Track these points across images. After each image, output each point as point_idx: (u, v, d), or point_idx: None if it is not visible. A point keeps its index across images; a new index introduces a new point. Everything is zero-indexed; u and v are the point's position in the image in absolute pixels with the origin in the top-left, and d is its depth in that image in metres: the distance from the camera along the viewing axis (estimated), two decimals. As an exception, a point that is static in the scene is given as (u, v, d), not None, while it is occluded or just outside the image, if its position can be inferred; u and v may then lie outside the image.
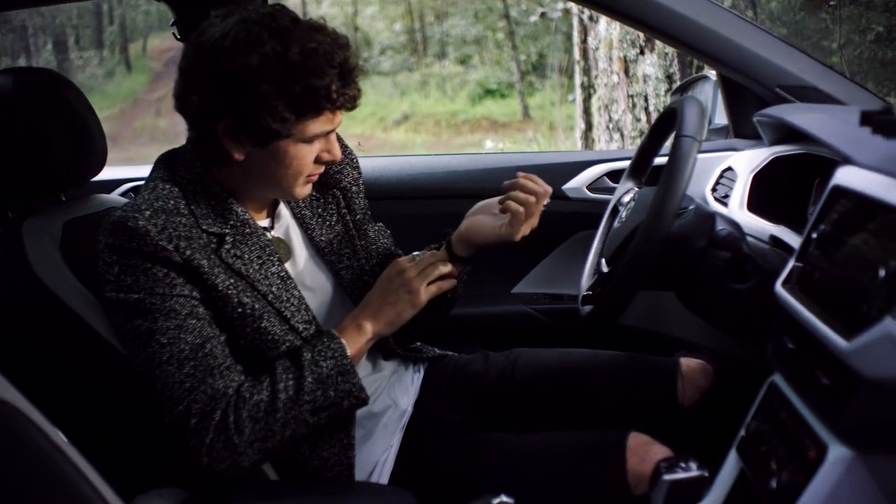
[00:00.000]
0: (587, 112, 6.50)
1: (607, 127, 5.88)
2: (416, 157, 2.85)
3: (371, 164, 2.60)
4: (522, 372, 1.88)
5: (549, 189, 1.67)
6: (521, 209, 1.64)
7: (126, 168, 2.70)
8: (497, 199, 1.72)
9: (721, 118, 2.45)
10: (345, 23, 13.89)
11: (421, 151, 10.74)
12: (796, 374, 1.33)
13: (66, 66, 13.71)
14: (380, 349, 1.85)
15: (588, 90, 6.52)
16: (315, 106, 1.49)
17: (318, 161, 1.59)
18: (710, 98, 2.54)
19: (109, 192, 2.30)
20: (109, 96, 13.30)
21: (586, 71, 6.47)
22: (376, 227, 1.90)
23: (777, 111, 1.89)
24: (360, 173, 1.86)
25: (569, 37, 8.73)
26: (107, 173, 2.13)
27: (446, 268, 1.71)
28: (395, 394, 1.84)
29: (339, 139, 1.83)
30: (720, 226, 1.65)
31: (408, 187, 2.58)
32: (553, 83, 11.30)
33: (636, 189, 1.92)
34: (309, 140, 1.54)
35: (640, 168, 1.98)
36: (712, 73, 2.52)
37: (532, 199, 1.65)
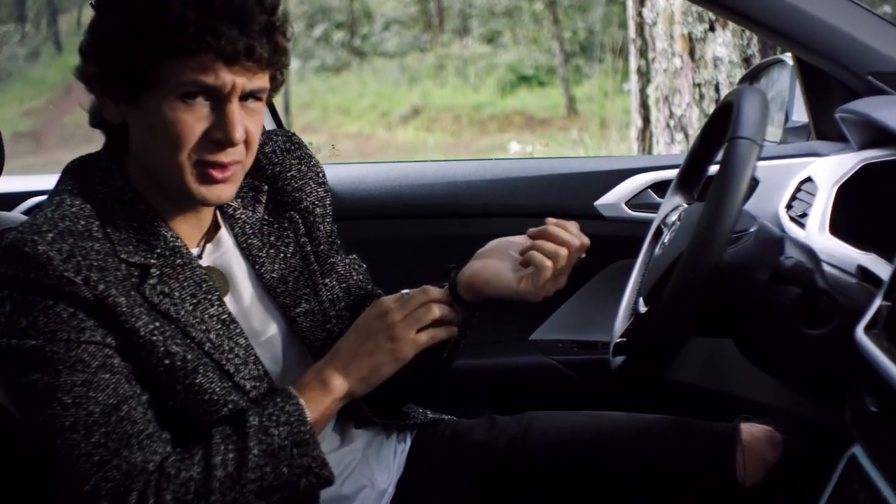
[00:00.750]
0: (644, 105, 6.50)
1: (667, 124, 5.88)
2: (404, 163, 2.87)
3: (345, 172, 2.63)
4: (537, 440, 1.89)
5: (586, 241, 1.68)
6: (549, 263, 1.64)
7: (38, 178, 2.72)
8: (519, 237, 1.73)
9: (800, 114, 2.46)
10: (340, -10, 14.06)
11: (434, 155, 10.77)
12: (880, 445, 1.34)
13: (-24, 45, 13.87)
14: (350, 415, 1.86)
15: (646, 77, 6.53)
16: (167, 41, 1.49)
17: (209, 139, 1.55)
18: (785, 88, 2.55)
19: (10, 208, 2.33)
20: (33, 83, 13.45)
21: (643, 52, 6.48)
22: (347, 261, 1.91)
23: (864, 106, 1.90)
24: (326, 191, 1.86)
25: (624, 7, 8.75)
26: (9, 184, 2.15)
27: (443, 311, 1.71)
28: (370, 471, 1.85)
29: (299, 141, 1.85)
30: (788, 253, 1.65)
31: (392, 203, 2.60)
32: (606, 68, 11.33)
33: (685, 205, 1.93)
34: (182, 92, 1.52)
35: (691, 178, 1.98)
36: (790, 57, 2.52)
37: (563, 251, 1.65)
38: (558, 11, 12.94)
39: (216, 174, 1.58)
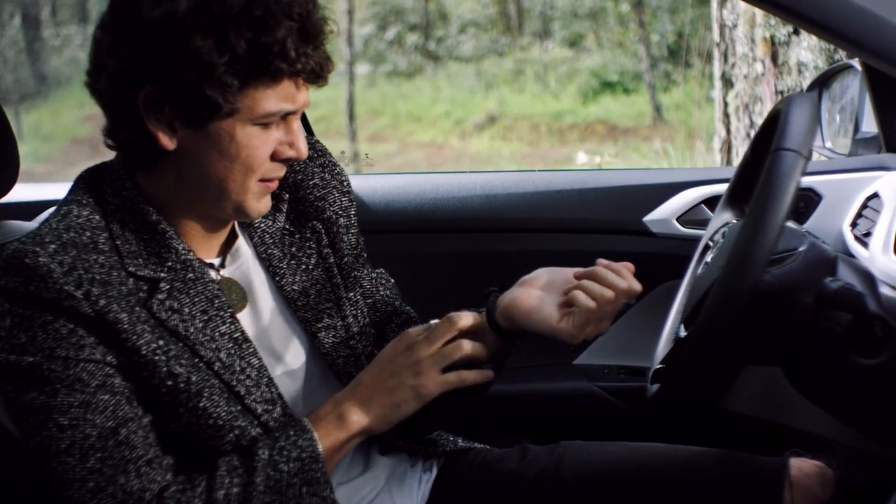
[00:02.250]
0: (727, 113, 6.45)
1: (748, 135, 5.82)
2: (442, 174, 2.87)
3: (379, 183, 2.65)
4: (570, 472, 1.88)
5: (637, 287, 1.66)
6: (592, 305, 1.63)
7: (62, 186, 2.75)
8: (568, 270, 1.71)
9: (871, 124, 2.43)
10: (413, -10, 14.11)
11: (508, 166, 10.76)
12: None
13: (37, 47, 14.10)
14: (375, 439, 1.85)
15: (729, 83, 6.47)
16: (266, 68, 1.51)
17: (276, 158, 1.61)
18: (856, 96, 2.52)
19: (31, 217, 2.36)
20: (94, 88, 13.65)
21: (727, 56, 6.43)
22: (374, 275, 1.92)
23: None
24: (351, 201, 1.88)
25: (713, 10, 8.67)
26: (33, 192, 2.17)
27: (474, 348, 1.69)
28: (392, 501, 1.85)
29: (323, 148, 1.86)
30: (837, 275, 1.63)
31: (429, 216, 2.60)
32: (696, 73, 11.25)
33: (734, 222, 1.91)
34: (261, 121, 1.56)
35: (742, 193, 1.96)
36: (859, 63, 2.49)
37: (608, 294, 1.63)
38: (645, 13, 12.86)
39: (271, 186, 1.65)
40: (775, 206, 1.50)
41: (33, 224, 2.15)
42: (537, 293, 1.70)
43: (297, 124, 1.62)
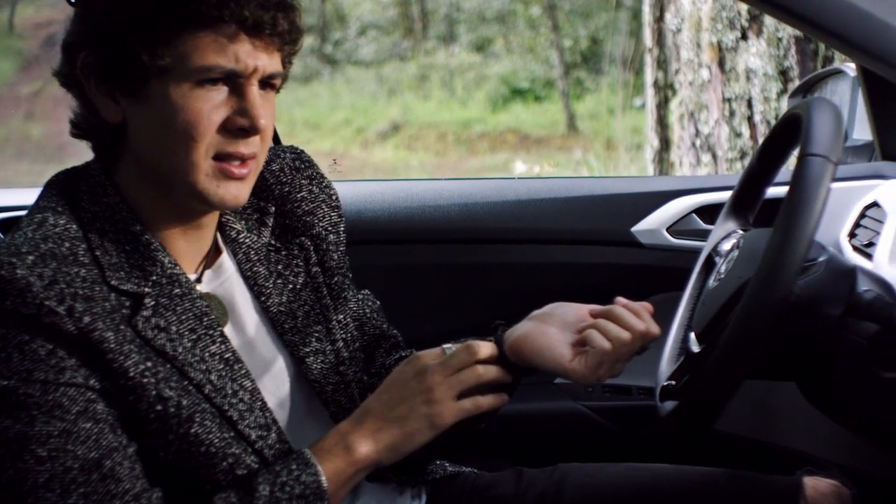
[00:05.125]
0: (662, 123, 6.53)
1: (693, 144, 5.90)
2: (416, 181, 2.86)
3: (348, 191, 2.62)
4: (572, 495, 1.87)
5: (655, 330, 1.65)
6: (607, 346, 1.61)
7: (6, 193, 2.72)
8: (582, 307, 1.71)
9: (863, 132, 2.47)
10: (308, -10, 14.05)
11: (416, 177, 10.77)
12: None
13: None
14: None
15: (664, 91, 6.56)
16: (184, 8, 1.50)
17: (227, 129, 1.56)
18: (845, 102, 2.57)
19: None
20: (-42, 91, 13.44)
21: (662, 63, 6.51)
22: (360, 296, 1.91)
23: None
24: (340, 216, 1.87)
25: (636, 14, 8.76)
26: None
27: (491, 374, 1.67)
28: (385, 530, 1.84)
29: (310, 159, 1.85)
30: (863, 286, 1.66)
31: (402, 226, 2.60)
32: (613, 81, 11.38)
33: (741, 232, 1.94)
34: (197, 77, 1.53)
35: (747, 202, 1.99)
36: (850, 67, 2.54)
37: (625, 336, 1.62)
38: (558, 17, 12.97)
39: (234, 170, 1.59)
40: (806, 215, 1.52)
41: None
42: (551, 331, 1.69)
43: (253, 92, 1.56)
